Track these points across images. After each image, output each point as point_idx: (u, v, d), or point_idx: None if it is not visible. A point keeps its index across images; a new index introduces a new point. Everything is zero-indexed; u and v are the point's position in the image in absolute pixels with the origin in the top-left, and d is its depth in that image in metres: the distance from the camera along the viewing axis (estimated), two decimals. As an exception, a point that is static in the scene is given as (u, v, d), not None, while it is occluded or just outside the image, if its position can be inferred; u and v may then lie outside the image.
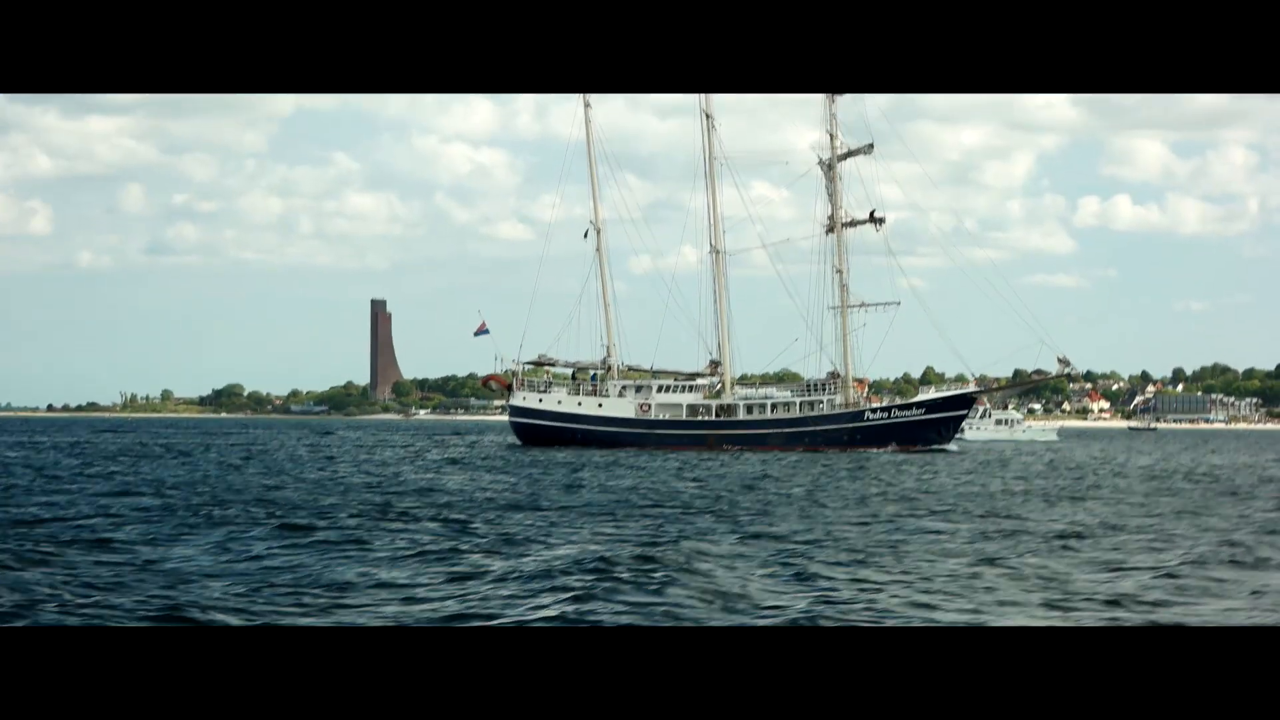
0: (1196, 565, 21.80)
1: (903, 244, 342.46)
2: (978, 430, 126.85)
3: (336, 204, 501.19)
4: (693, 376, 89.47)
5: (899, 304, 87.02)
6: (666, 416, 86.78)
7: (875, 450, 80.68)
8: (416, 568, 20.90)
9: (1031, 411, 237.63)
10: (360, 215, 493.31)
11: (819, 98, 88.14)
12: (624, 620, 15.82)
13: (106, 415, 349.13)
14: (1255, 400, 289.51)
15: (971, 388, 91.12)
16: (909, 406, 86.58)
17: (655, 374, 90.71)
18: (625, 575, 19.16)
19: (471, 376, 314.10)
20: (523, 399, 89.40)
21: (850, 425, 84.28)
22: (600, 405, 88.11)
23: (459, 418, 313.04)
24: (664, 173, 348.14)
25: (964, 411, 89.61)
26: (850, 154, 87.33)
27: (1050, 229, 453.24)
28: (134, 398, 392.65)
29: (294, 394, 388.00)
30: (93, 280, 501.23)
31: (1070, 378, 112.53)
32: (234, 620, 15.83)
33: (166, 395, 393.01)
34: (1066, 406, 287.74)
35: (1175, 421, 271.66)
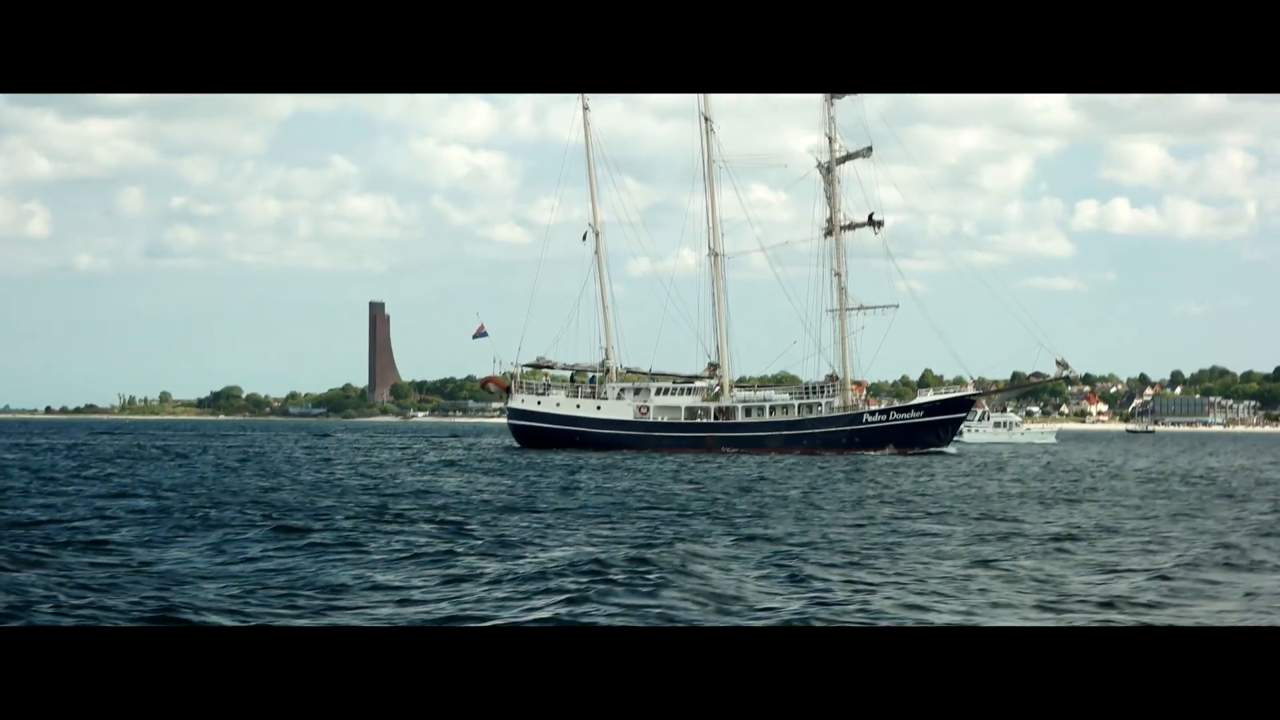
0: (1190, 568, 21.83)
1: (901, 247, 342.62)
2: (976, 433, 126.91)
3: (335, 207, 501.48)
4: (691, 379, 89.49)
5: (897, 307, 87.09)
6: (665, 419, 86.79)
7: (873, 453, 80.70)
8: (411, 570, 20.92)
9: (1030, 414, 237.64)
10: (358, 218, 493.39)
11: (818, 101, 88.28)
12: (618, 623, 15.82)
13: (105, 417, 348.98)
14: (1253, 403, 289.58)
15: (970, 390, 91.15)
16: (907, 409, 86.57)
17: (654, 376, 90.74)
18: (619, 577, 19.17)
19: (470, 379, 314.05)
20: (521, 401, 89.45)
21: (849, 428, 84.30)
22: (599, 408, 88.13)
23: (457, 420, 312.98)
24: (662, 175, 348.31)
25: (963, 414, 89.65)
26: (849, 157, 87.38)
27: (1048, 232, 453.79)
28: (132, 400, 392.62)
29: (292, 396, 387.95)
30: (91, 283, 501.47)
31: (1068, 380, 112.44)
32: (227, 622, 15.84)
33: (165, 397, 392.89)
34: (1065, 409, 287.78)
35: (1173, 424, 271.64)
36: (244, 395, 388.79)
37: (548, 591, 18.09)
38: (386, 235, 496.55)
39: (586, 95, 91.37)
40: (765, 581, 19.60)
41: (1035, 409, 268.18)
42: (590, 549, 23.38)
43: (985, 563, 22.25)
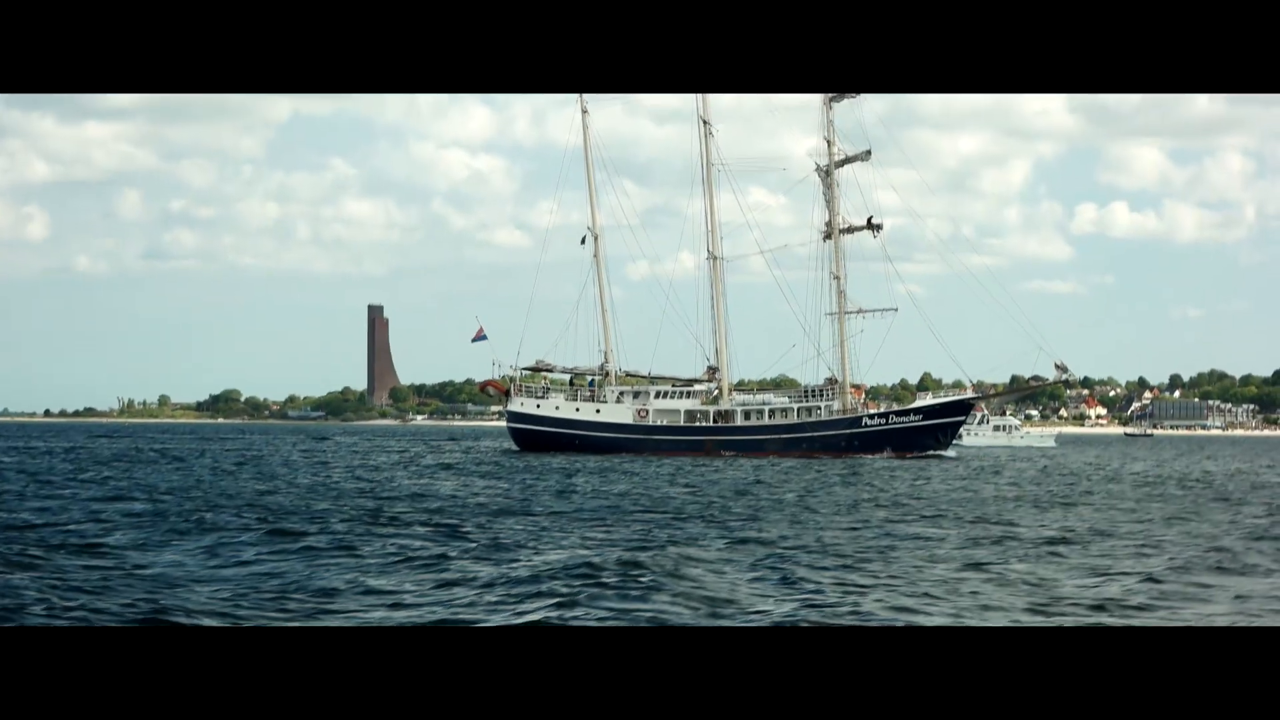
0: (1182, 571, 21.85)
1: (900, 250, 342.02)
2: (976, 436, 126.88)
3: (334, 210, 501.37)
4: (690, 382, 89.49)
5: (896, 310, 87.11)
6: (664, 422, 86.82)
7: (871, 456, 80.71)
8: (404, 573, 20.94)
9: (1029, 418, 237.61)
10: (357, 221, 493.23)
11: (816, 104, 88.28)
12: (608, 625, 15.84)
13: (103, 420, 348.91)
14: (1252, 406, 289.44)
15: (969, 394, 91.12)
16: (906, 413, 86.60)
17: (653, 380, 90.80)
18: (611, 580, 19.20)
19: (469, 382, 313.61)
20: (520, 405, 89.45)
21: (848, 431, 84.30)
22: (598, 411, 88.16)
23: (456, 423, 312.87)
24: (661, 179, 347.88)
25: (962, 417, 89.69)
26: (848, 160, 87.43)
27: (1047, 236, 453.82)
28: (131, 403, 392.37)
29: (291, 399, 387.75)
30: (90, 286, 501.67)
31: (1068, 384, 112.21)
32: (218, 624, 15.86)
33: (164, 400, 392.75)
34: (1064, 413, 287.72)
35: (1172, 428, 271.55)
36: (243, 398, 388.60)
37: (539, 595, 18.11)
38: (386, 238, 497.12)
39: (585, 97, 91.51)
40: (757, 584, 19.62)
41: (1034, 412, 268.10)
42: (584, 552, 23.40)
43: (978, 566, 22.28)
